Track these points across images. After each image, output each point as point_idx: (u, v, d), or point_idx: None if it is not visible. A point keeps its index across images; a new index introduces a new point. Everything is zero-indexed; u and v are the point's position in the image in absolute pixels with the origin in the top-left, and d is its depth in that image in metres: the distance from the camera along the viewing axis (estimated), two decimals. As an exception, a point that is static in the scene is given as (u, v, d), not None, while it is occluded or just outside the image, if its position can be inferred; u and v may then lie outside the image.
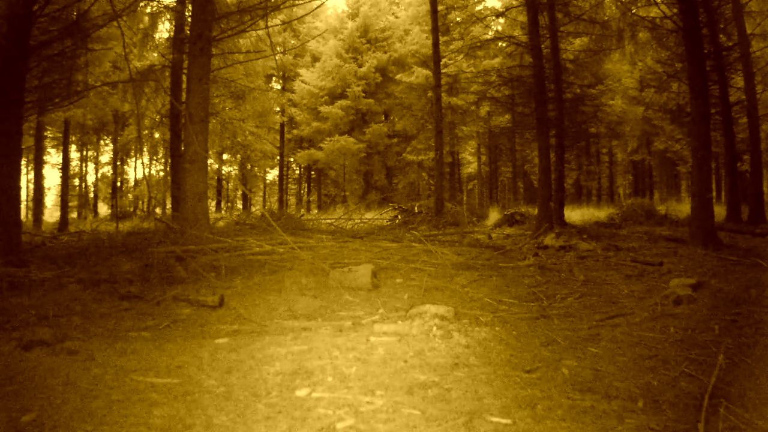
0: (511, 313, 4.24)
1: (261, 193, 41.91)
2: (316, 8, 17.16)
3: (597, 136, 28.41)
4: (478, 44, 17.86)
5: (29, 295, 4.56)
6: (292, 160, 34.34)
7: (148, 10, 13.03)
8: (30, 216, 21.33)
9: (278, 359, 2.89)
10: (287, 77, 32.56)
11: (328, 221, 13.60)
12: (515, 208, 15.66)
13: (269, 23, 9.92)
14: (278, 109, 31.04)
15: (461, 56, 21.15)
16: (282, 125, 32.30)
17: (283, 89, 32.19)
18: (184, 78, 9.69)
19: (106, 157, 36.46)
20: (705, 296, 4.35)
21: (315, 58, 30.71)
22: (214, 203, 33.63)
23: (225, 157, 33.79)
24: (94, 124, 27.74)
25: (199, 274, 5.43)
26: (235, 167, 35.60)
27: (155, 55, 15.27)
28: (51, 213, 33.31)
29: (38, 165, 20.46)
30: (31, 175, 24.27)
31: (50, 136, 26.79)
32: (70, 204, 27.24)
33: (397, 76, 25.89)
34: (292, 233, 8.35)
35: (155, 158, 33.39)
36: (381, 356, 2.89)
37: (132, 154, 34.89)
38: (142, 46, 13.72)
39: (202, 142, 7.42)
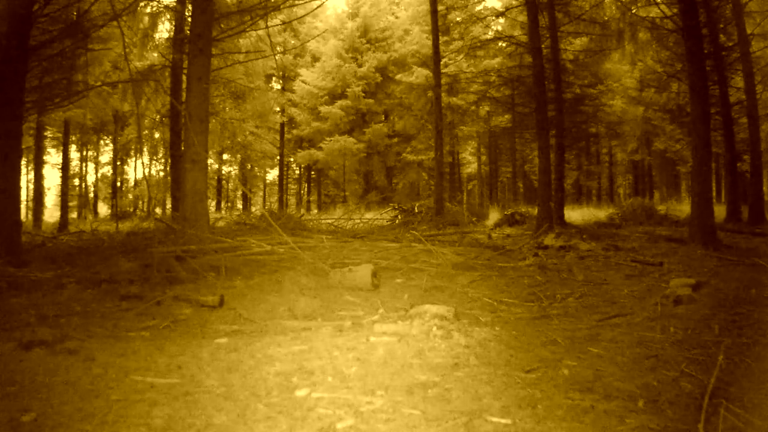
0: (511, 313, 4.24)
1: (261, 193, 41.91)
2: (316, 8, 17.19)
3: (597, 136, 28.41)
4: (478, 44, 17.85)
5: (29, 295, 4.56)
6: (292, 160, 34.34)
7: (148, 10, 13.04)
8: (30, 216, 21.32)
9: (278, 359, 2.89)
10: (287, 77, 32.55)
11: (328, 221, 13.61)
12: (515, 208, 15.65)
13: (269, 23, 9.92)
14: (278, 109, 31.04)
15: (461, 56, 21.15)
16: (282, 125, 32.30)
17: (283, 89, 32.19)
18: (184, 78, 9.69)
19: (106, 157, 36.49)
20: (705, 296, 4.35)
21: (315, 58, 30.71)
22: (214, 203, 33.60)
23: (225, 157, 33.79)
24: (94, 124, 27.72)
25: (199, 274, 5.43)
26: (235, 167, 35.61)
27: (155, 55, 15.28)
28: (51, 213, 33.25)
29: (38, 165, 20.45)
30: (31, 175, 24.26)
31: (50, 136, 26.76)
32: (70, 204, 27.21)
33: (397, 76, 25.88)
34: (292, 233, 8.35)
35: (155, 158, 33.39)
36: (381, 356, 2.89)
37: (132, 154, 34.90)
38: (142, 46, 13.72)
39: (202, 142, 7.42)
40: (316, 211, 29.44)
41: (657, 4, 11.93)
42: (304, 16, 22.95)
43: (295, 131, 31.30)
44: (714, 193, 22.54)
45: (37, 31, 7.43)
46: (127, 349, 3.15)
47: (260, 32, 12.28)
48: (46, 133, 23.21)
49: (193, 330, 3.75)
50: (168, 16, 13.68)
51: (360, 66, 28.26)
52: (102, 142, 34.79)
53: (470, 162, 36.91)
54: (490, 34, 20.52)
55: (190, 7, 10.93)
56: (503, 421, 2.10)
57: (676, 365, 2.78)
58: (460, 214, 14.53)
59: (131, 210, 30.34)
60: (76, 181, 34.11)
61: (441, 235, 10.18)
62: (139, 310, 4.20)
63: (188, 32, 9.10)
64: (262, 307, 4.35)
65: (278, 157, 33.45)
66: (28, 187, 27.45)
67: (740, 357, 2.88)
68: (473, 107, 25.36)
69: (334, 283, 5.07)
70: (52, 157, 31.45)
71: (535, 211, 12.80)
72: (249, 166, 34.79)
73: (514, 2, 16.71)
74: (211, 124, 9.88)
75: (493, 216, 15.93)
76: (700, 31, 8.60)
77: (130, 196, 35.52)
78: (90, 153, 35.17)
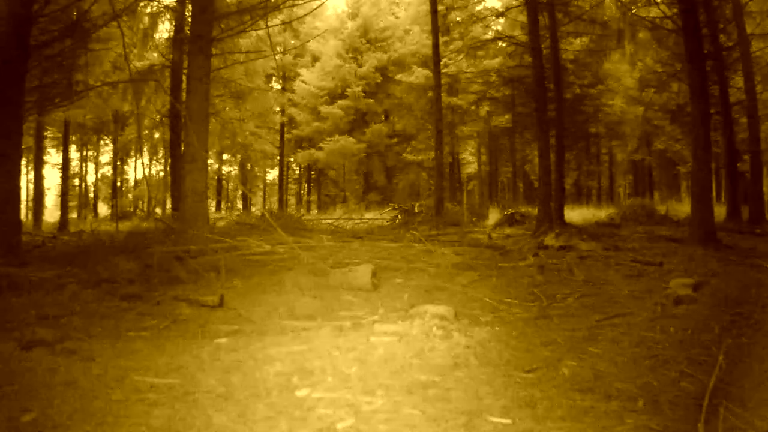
0: (511, 313, 4.23)
1: (261, 193, 41.92)
2: (316, 8, 17.15)
3: (597, 136, 28.42)
4: (478, 44, 17.87)
5: (29, 295, 4.55)
6: (292, 160, 34.34)
7: (148, 10, 13.05)
8: (30, 216, 21.32)
9: (278, 359, 2.89)
10: (287, 77, 32.56)
11: (328, 221, 13.61)
12: (515, 208, 15.66)
13: (269, 23, 9.91)
14: (278, 109, 31.02)
15: (461, 56, 21.16)
16: (282, 125, 32.29)
17: (283, 89, 32.18)
18: (184, 78, 9.69)
19: (106, 157, 36.53)
20: (705, 296, 4.34)
21: (315, 58, 30.71)
22: (214, 203, 33.62)
23: (225, 157, 33.81)
24: (94, 124, 27.74)
25: (199, 274, 5.42)
26: (235, 167, 35.64)
27: (155, 55, 15.29)
28: (51, 213, 33.24)
29: (38, 165, 20.46)
30: (31, 175, 24.26)
31: (50, 136, 26.78)
32: (70, 204, 27.23)
33: (397, 76, 25.89)
34: (292, 233, 8.35)
35: (155, 158, 33.43)
36: (381, 356, 2.89)
37: (132, 154, 34.91)
38: (142, 46, 13.74)
39: (202, 142, 7.42)
40: (316, 211, 29.45)
41: (657, 4, 11.94)
42: (304, 16, 22.92)
43: (295, 131, 31.29)
44: (714, 193, 22.53)
45: (37, 31, 7.42)
46: (127, 349, 3.15)
47: (260, 32, 12.28)
48: (46, 133, 23.23)
49: (193, 330, 3.75)
50: (168, 16, 13.70)
51: (360, 66, 28.25)
52: (102, 142, 34.80)
53: (470, 162, 36.92)
54: (490, 34, 20.54)
55: (190, 7, 10.93)
56: (503, 421, 2.10)
57: (676, 365, 2.78)
58: (460, 214, 14.55)
59: (131, 210, 30.34)
60: (76, 181, 34.14)
61: (441, 235, 10.18)
62: (139, 310, 4.19)
63: (188, 32, 9.11)
64: (262, 307, 4.34)
65: (278, 157, 33.45)
66: (28, 187, 27.43)
67: (740, 357, 2.88)
68: (473, 107, 25.37)
69: (334, 283, 5.06)
70: (52, 157, 31.49)
71: (535, 211, 12.79)
72: (249, 166, 34.81)
73: (514, 2, 16.71)
74: (211, 124, 9.89)
75: (493, 216, 15.93)
76: (700, 31, 8.61)
77: (130, 196, 35.54)
78: (90, 153, 35.20)
